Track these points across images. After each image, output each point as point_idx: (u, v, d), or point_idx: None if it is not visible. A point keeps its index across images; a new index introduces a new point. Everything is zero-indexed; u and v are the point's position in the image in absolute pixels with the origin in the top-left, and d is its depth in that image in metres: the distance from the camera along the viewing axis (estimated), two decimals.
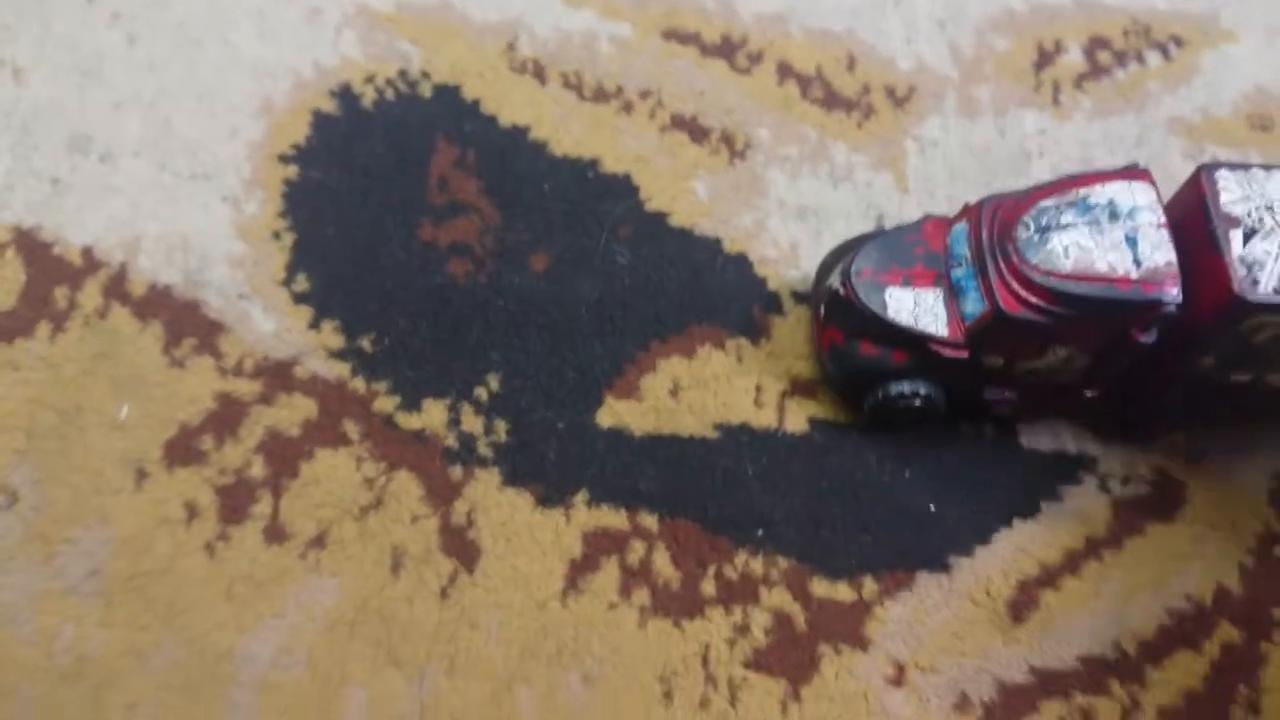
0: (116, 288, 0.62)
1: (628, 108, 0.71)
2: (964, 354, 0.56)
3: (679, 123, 0.70)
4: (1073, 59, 0.74)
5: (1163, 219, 0.53)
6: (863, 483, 0.60)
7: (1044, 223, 0.53)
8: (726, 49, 0.73)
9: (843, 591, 0.58)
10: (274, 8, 0.72)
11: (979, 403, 0.59)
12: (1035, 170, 0.70)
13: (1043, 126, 0.72)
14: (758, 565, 0.58)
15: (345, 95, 0.69)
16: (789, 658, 0.56)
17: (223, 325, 0.62)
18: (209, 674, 0.54)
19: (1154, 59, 0.75)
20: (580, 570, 0.57)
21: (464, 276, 0.64)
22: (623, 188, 0.68)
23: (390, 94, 0.70)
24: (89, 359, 0.60)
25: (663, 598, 0.57)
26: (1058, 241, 0.52)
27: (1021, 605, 0.58)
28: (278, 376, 0.61)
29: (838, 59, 0.73)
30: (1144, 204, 0.53)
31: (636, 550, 0.58)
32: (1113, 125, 0.72)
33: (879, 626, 0.57)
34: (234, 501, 0.58)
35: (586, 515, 0.59)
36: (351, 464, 0.59)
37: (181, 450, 0.58)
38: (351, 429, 0.60)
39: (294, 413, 0.60)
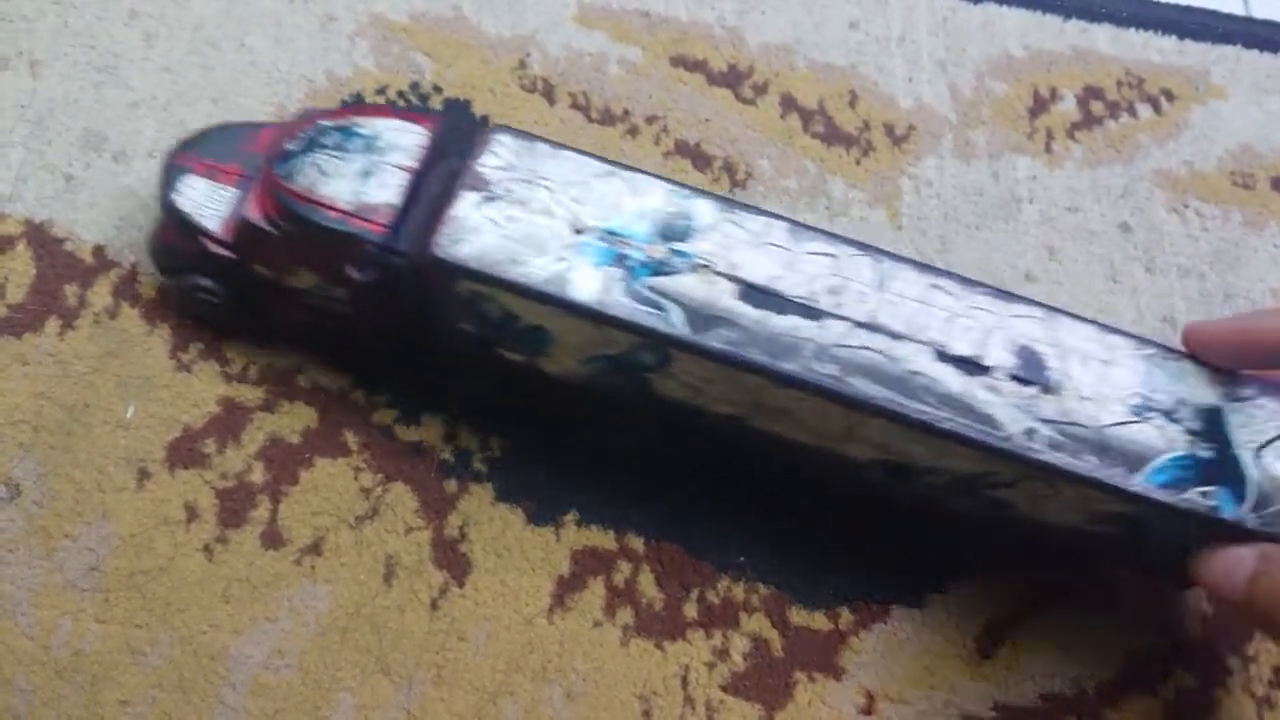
0: (127, 288, 0.63)
1: (633, 131, 0.72)
2: (231, 255, 0.56)
3: (683, 149, 0.72)
4: (1067, 107, 0.76)
5: (413, 164, 0.52)
6: (845, 515, 0.62)
7: (310, 140, 0.53)
8: (733, 78, 0.75)
9: (819, 621, 0.60)
10: (289, 13, 0.72)
11: (271, 316, 0.60)
12: (1025, 215, 0.72)
13: (1034, 173, 0.74)
14: (739, 591, 0.60)
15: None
16: (765, 683, 0.58)
17: (229, 331, 0.63)
18: (202, 673, 0.56)
19: (1145, 111, 0.77)
20: (567, 588, 0.59)
21: None
22: None
23: (402, 106, 0.71)
24: (97, 358, 0.61)
25: (646, 618, 0.59)
26: (306, 160, 0.52)
27: (989, 642, 0.60)
28: (281, 384, 0.62)
29: (840, 94, 0.75)
30: (405, 145, 0.53)
31: (622, 571, 0.60)
32: (1101, 175, 0.74)
33: (853, 656, 0.59)
34: (233, 505, 0.59)
35: (576, 534, 0.61)
36: (349, 474, 0.60)
37: (184, 452, 0.60)
38: (351, 439, 0.61)
39: (295, 420, 0.61)
